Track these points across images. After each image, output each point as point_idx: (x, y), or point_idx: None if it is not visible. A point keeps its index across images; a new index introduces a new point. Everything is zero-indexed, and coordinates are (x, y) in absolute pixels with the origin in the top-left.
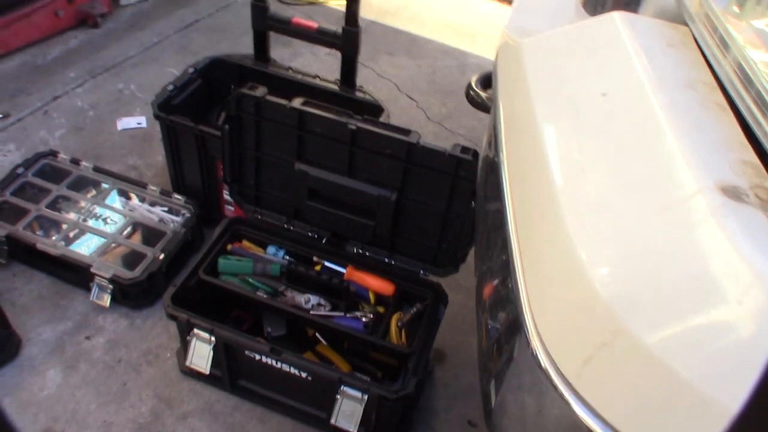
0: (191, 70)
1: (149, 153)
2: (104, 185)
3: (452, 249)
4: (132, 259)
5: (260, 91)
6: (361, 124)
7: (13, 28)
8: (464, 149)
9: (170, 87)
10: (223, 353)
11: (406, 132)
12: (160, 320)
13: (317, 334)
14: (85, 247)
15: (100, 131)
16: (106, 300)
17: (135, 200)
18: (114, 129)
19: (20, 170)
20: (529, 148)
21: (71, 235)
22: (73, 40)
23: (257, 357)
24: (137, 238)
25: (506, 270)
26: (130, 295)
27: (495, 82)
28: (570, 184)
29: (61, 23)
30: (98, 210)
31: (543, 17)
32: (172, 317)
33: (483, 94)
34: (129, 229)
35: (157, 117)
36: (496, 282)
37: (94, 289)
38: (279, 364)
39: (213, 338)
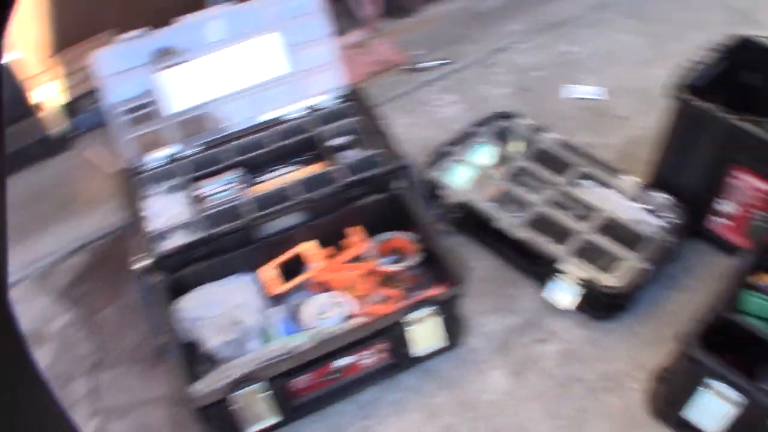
0: (717, 52)
1: (603, 131)
2: (572, 165)
3: None
4: (603, 260)
5: None
6: None
7: None
8: None
9: (697, 64)
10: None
11: None
12: (623, 340)
13: None
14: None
15: (545, 97)
16: (568, 302)
17: (608, 190)
18: (558, 96)
19: (471, 129)
20: None
21: (533, 218)
22: None
23: None
24: (608, 236)
25: None
26: (598, 304)
27: None
28: None
29: None
30: (567, 195)
31: None
32: (696, 361)
33: None
34: (597, 223)
35: (679, 98)
36: None
37: (551, 286)
38: None
39: (746, 401)
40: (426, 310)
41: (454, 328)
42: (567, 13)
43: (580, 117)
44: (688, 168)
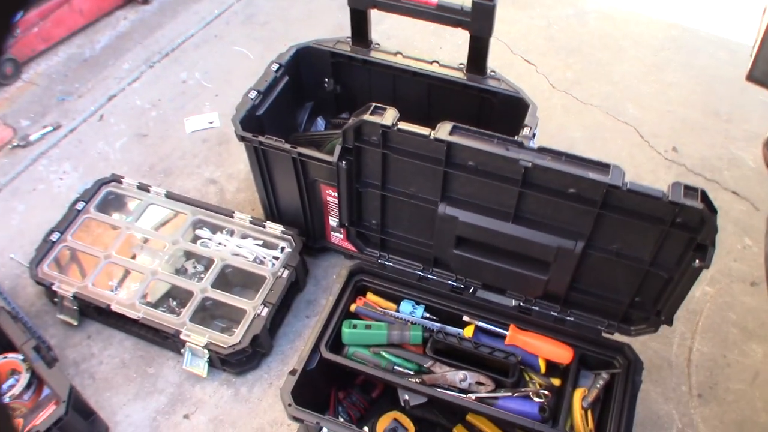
0: (275, 66)
1: (227, 160)
2: (181, 215)
3: (649, 304)
4: (229, 314)
5: (389, 116)
6: (538, 161)
7: (53, 16)
8: (688, 190)
9: (252, 94)
10: None
11: (604, 167)
12: (270, 386)
13: None
14: (166, 297)
15: (167, 136)
16: (203, 369)
17: (222, 233)
18: (182, 131)
19: (80, 205)
20: None
21: (148, 289)
22: (123, 21)
23: None
24: (230, 284)
25: None
26: (229, 362)
27: None
28: None
29: (106, 3)
30: (178, 252)
31: None
32: (298, 420)
33: None
34: (217, 272)
35: (242, 139)
36: None
37: (187, 356)
38: None
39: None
40: None
41: None
42: (179, 33)
43: (203, 151)
44: (286, 193)
